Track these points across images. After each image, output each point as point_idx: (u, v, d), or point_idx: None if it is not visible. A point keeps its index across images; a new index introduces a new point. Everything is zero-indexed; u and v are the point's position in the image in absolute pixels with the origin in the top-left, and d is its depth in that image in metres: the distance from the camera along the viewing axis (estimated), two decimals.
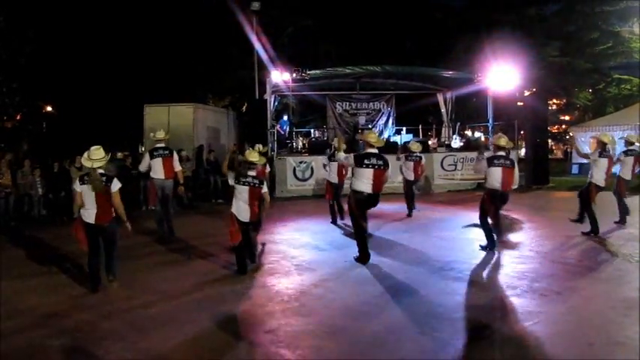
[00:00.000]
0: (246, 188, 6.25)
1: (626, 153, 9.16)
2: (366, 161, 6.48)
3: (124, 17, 21.97)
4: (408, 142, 13.96)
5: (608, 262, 6.71)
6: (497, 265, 6.60)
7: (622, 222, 9.06)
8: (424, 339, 4.32)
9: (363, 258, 6.75)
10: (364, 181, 6.50)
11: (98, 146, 5.87)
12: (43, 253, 8.15)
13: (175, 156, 9.00)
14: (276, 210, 11.83)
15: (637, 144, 9.28)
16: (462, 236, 8.57)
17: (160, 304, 5.42)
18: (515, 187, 7.40)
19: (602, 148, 8.37)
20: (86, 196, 5.69)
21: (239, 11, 19.47)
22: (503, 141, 7.21)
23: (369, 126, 19.07)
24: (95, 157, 5.73)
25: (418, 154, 11.10)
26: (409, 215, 10.88)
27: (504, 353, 4.01)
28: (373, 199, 6.64)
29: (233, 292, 5.78)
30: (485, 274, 6.25)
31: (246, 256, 6.50)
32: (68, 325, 4.84)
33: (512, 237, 8.47)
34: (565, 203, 12.73)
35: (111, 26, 21.87)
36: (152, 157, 8.74)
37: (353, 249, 7.05)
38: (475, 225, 8.24)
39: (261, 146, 9.73)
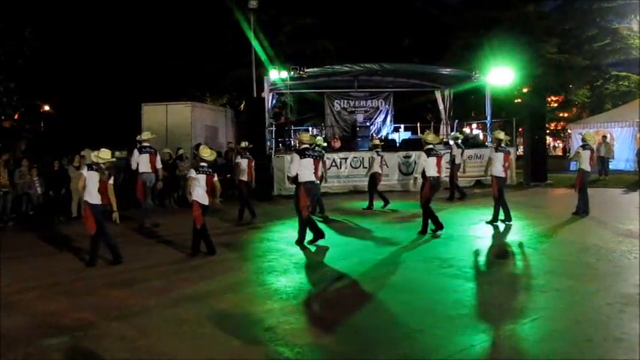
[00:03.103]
0: (203, 176, 7.25)
1: (583, 147, 10.11)
2: (306, 153, 7.85)
3: (122, 16, 21.91)
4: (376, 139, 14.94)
5: (606, 259, 6.72)
6: (495, 263, 6.61)
7: (580, 213, 9.87)
8: (423, 336, 4.32)
9: (317, 237, 7.85)
10: (308, 170, 7.71)
11: (107, 150, 7.18)
12: (41, 252, 8.13)
13: (159, 155, 10.27)
14: (275, 208, 11.82)
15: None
16: (459, 233, 8.56)
17: (158, 301, 5.42)
18: None
19: (498, 144, 9.31)
20: (90, 181, 6.86)
21: (236, 9, 19.41)
22: (431, 137, 8.70)
23: (367, 124, 19.05)
24: (103, 155, 7.07)
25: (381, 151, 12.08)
26: (369, 208, 11.37)
27: (503, 350, 4.01)
28: (317, 186, 8.02)
29: (231, 290, 5.79)
30: (483, 271, 6.26)
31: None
32: (67, 324, 4.83)
33: (511, 234, 8.50)
34: (563, 200, 12.76)
35: (108, 25, 21.82)
36: (140, 152, 9.87)
37: (351, 247, 7.09)
38: (474, 222, 8.25)
39: (246, 143, 11.04)
